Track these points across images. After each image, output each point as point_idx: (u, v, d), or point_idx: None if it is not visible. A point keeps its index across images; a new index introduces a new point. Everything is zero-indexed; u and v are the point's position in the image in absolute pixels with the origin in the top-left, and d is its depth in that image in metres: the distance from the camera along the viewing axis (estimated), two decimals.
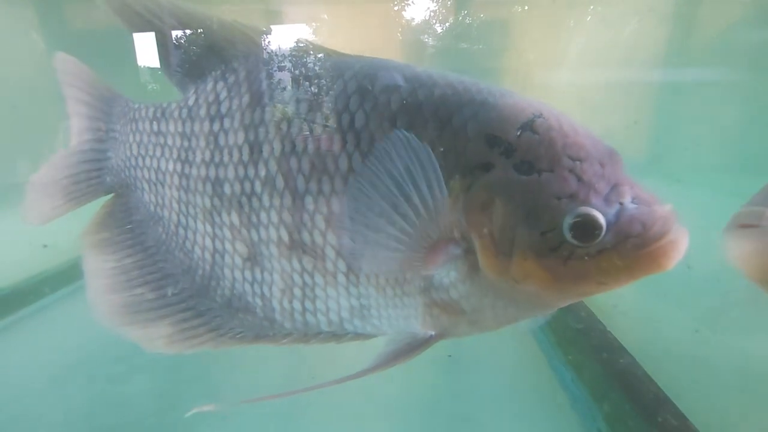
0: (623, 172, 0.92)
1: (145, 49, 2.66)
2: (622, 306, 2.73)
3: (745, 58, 4.61)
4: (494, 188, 0.92)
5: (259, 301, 1.22)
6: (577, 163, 0.88)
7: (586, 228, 0.83)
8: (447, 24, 3.36)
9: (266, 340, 1.25)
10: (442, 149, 0.95)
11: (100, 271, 1.29)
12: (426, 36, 3.21)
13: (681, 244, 0.82)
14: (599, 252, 0.83)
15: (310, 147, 1.07)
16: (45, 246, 2.80)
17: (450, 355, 2.29)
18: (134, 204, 1.36)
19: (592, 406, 1.95)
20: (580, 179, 0.87)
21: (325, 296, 1.15)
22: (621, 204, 0.85)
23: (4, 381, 2.06)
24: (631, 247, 0.82)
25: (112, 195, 1.40)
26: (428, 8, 2.85)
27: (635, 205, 0.85)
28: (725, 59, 4.67)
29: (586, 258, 0.84)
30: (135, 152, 1.31)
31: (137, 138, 1.30)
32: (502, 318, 1.05)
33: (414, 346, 1.11)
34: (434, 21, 3.17)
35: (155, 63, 2.70)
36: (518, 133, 0.91)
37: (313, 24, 2.69)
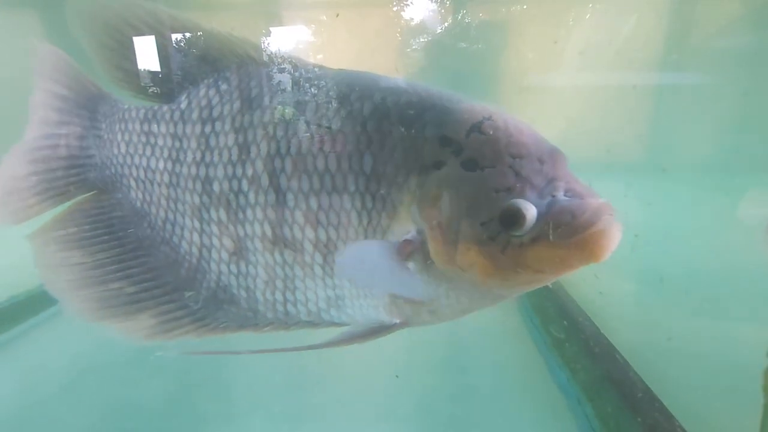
0: (563, 169, 1.00)
1: (145, 52, 2.67)
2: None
3: (744, 57, 4.62)
4: (443, 183, 1.01)
5: (243, 293, 1.29)
6: (517, 160, 0.96)
7: (513, 218, 0.90)
8: (446, 24, 3.36)
9: (249, 329, 1.32)
10: (404, 150, 1.05)
11: (66, 267, 1.32)
12: (425, 36, 3.22)
13: (611, 235, 0.86)
14: (533, 241, 0.90)
15: (292, 149, 1.17)
16: None
17: (397, 376, 2.27)
18: (116, 201, 1.39)
19: (585, 405, 1.97)
20: (518, 174, 0.95)
21: (304, 287, 1.23)
22: (554, 196, 0.92)
23: (19, 386, 2.09)
24: (560, 236, 0.87)
25: (86, 193, 1.41)
26: (427, 8, 2.86)
27: (568, 198, 0.92)
28: (722, 59, 4.67)
29: (521, 247, 0.91)
30: (123, 151, 1.35)
31: (126, 137, 1.34)
32: (456, 307, 1.14)
33: (377, 331, 1.22)
34: (433, 21, 3.17)
35: (155, 67, 2.72)
36: (467, 134, 1.02)
37: (312, 26, 2.70)
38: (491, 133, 1.01)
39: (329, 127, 1.13)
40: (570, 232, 0.87)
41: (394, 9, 2.77)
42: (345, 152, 1.11)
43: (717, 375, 2.13)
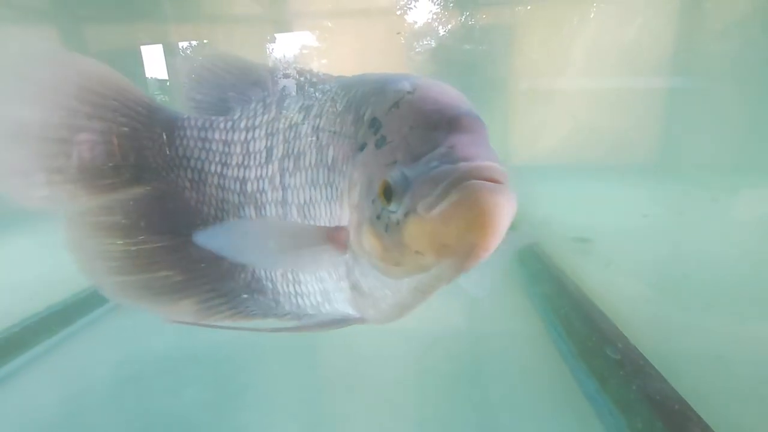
0: (458, 134, 0.84)
1: (153, 62, 2.75)
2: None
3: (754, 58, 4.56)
4: (358, 165, 0.97)
5: (269, 284, 1.39)
6: (412, 130, 0.87)
7: (386, 192, 0.82)
8: (449, 26, 3.38)
9: (273, 317, 1.38)
10: (348, 137, 1.04)
11: (108, 252, 1.37)
12: (428, 39, 3.24)
13: (483, 203, 0.71)
14: (405, 217, 0.79)
15: (291, 148, 1.24)
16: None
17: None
18: (171, 198, 1.48)
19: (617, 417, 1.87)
20: (407, 146, 0.86)
21: (305, 281, 1.29)
22: (429, 165, 0.79)
23: (59, 396, 2.12)
24: (424, 209, 0.75)
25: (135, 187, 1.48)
26: (430, 11, 2.88)
27: (441, 165, 0.78)
28: (732, 59, 4.61)
29: (398, 224, 0.81)
30: (180, 154, 1.46)
31: (183, 143, 1.45)
32: (389, 300, 1.07)
33: (336, 322, 1.22)
34: (436, 23, 3.20)
35: (163, 75, 2.80)
36: (388, 112, 0.94)
37: (317, 31, 2.75)
38: (404, 106, 0.92)
39: (315, 128, 1.18)
40: (432, 203, 0.74)
41: (398, 13, 2.80)
42: (319, 148, 1.14)
43: (757, 385, 2.00)
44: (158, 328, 2.50)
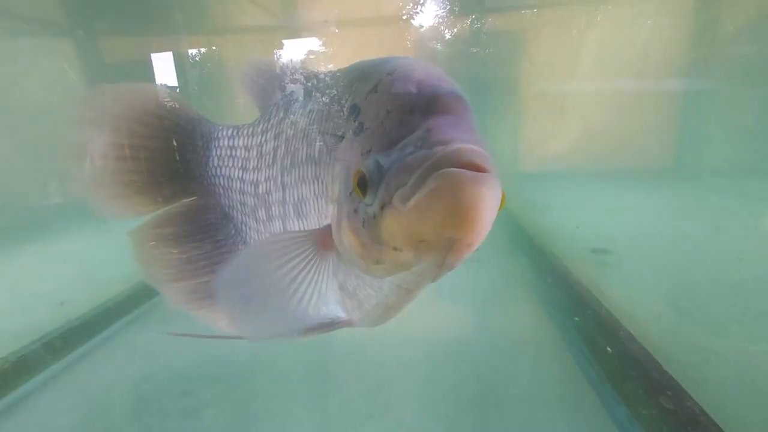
0: (437, 116, 0.75)
1: (162, 70, 2.79)
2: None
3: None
4: (338, 156, 0.91)
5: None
6: (390, 114, 0.79)
7: (360, 184, 0.75)
8: (455, 30, 3.39)
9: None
10: (331, 128, 0.98)
11: (165, 261, 1.45)
12: (435, 43, 3.25)
13: (462, 191, 0.62)
14: (382, 210, 0.70)
15: (289, 146, 1.23)
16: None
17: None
18: (210, 206, 1.55)
19: None
20: (382, 132, 0.78)
21: None
22: (404, 152, 0.71)
23: (79, 416, 2.09)
24: (398, 201, 0.67)
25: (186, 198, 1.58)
26: (436, 15, 2.89)
27: (417, 150, 0.69)
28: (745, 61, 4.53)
29: (374, 218, 0.73)
30: (215, 164, 1.51)
31: (217, 152, 1.50)
32: (372, 301, 1.01)
33: (324, 326, 1.14)
34: (443, 27, 3.21)
35: (173, 82, 2.84)
36: (366, 97, 0.87)
37: (324, 38, 2.78)
38: (382, 89, 0.84)
39: (303, 123, 1.17)
40: (406, 194, 0.65)
41: (403, 18, 2.82)
42: (308, 142, 1.11)
43: None
44: (177, 345, 2.51)
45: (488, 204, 0.63)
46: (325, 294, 1.17)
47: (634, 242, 3.71)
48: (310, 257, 0.93)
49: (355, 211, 0.78)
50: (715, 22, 4.81)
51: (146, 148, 1.52)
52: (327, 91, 1.10)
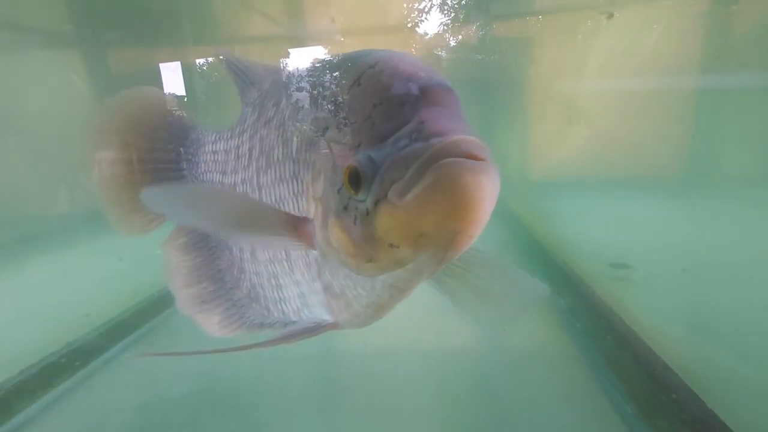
0: (429, 107, 0.74)
1: (170, 79, 2.81)
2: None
3: None
4: (321, 153, 0.89)
5: (261, 290, 1.38)
6: (377, 107, 0.77)
7: (352, 179, 0.72)
8: (459, 37, 3.40)
9: (266, 328, 1.38)
10: (315, 125, 0.95)
11: (179, 269, 1.52)
12: (439, 50, 3.26)
13: (462, 183, 0.60)
14: (376, 205, 0.69)
15: (264, 146, 1.21)
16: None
17: None
18: None
19: None
20: (372, 125, 0.76)
21: (284, 286, 1.26)
22: (398, 145, 0.69)
23: None
24: (397, 195, 0.65)
25: None
26: (441, 23, 2.91)
27: (411, 143, 0.68)
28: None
29: (367, 215, 0.70)
30: (203, 169, 1.52)
31: (203, 157, 1.51)
32: (362, 301, 0.98)
33: (310, 330, 1.13)
34: (448, 35, 3.22)
35: (181, 91, 2.86)
36: (349, 90, 0.85)
37: (329, 46, 2.79)
38: (366, 82, 0.82)
39: (278, 120, 1.14)
40: (404, 187, 0.64)
41: (408, 26, 2.83)
42: (284, 140, 1.08)
43: None
44: (178, 368, 2.41)
45: (489, 193, 0.62)
46: (307, 295, 1.18)
47: (654, 256, 3.51)
48: (276, 233, 0.93)
49: (345, 208, 0.76)
50: (730, 24, 4.72)
51: (147, 161, 1.53)
52: (303, 88, 1.06)
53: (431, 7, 2.87)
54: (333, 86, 0.91)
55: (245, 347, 1.18)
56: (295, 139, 1.02)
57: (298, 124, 1.02)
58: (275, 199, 1.12)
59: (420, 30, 2.89)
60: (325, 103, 0.91)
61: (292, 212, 1.04)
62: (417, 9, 2.85)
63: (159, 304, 3.03)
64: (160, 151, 1.53)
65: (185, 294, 1.47)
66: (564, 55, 4.67)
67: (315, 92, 0.96)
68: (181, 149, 1.55)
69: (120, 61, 4.25)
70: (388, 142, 0.71)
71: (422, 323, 2.69)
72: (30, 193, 3.80)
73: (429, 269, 0.76)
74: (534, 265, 3.55)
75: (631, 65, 4.76)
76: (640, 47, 4.59)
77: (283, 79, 1.22)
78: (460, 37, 3.36)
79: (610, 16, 4.06)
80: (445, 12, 2.91)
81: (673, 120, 5.12)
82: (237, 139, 1.36)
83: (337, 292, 1.02)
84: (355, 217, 0.73)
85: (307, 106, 0.99)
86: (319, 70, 1.01)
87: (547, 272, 3.32)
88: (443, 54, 3.31)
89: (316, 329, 1.12)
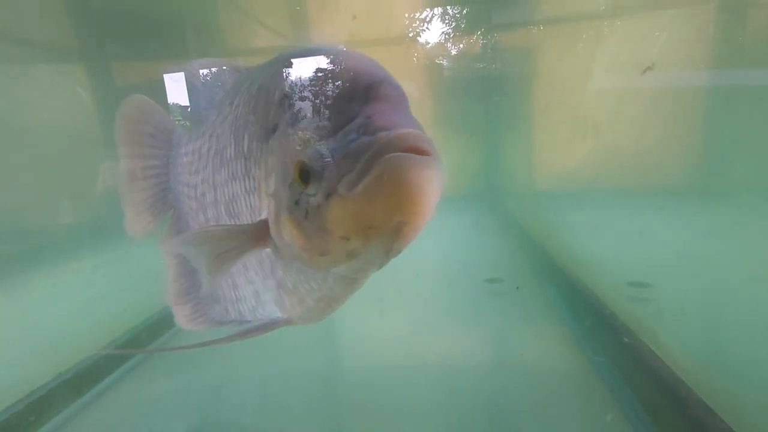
0: (377, 103, 0.76)
1: (174, 89, 2.83)
2: None
3: None
4: (272, 149, 0.90)
5: (220, 291, 1.43)
6: (328, 103, 0.80)
7: (302, 173, 0.74)
8: (460, 46, 3.42)
9: (225, 325, 1.46)
10: (258, 119, 0.96)
11: (169, 267, 1.60)
12: (441, 58, 3.27)
13: (408, 175, 0.62)
14: (327, 199, 0.70)
15: (218, 145, 1.22)
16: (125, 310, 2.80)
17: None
18: (180, 214, 1.61)
19: None
20: (321, 120, 0.78)
21: (240, 285, 1.30)
22: (346, 139, 0.71)
23: None
24: (346, 188, 0.67)
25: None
26: (443, 32, 2.92)
27: (359, 137, 0.70)
28: None
29: (318, 208, 0.72)
30: (178, 171, 1.55)
31: (179, 160, 1.53)
32: (315, 295, 1.00)
33: (264, 327, 1.17)
34: (449, 44, 3.23)
35: (185, 101, 2.88)
36: (301, 87, 0.87)
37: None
38: (319, 80, 0.84)
39: (231, 119, 1.15)
40: (353, 180, 0.66)
41: (410, 35, 2.85)
42: (236, 138, 1.08)
43: None
44: (177, 400, 2.26)
45: (433, 186, 0.64)
46: (260, 293, 1.20)
47: (674, 274, 3.32)
48: (243, 251, 0.94)
49: (297, 202, 0.77)
50: (741, 26, 4.64)
51: (146, 167, 1.58)
52: (253, 85, 1.07)
53: (433, 16, 2.90)
54: (284, 83, 0.92)
55: (201, 345, 1.24)
56: (246, 136, 1.02)
57: (249, 121, 1.02)
58: (229, 197, 1.14)
59: (422, 39, 2.91)
60: (274, 99, 0.93)
61: (245, 210, 1.07)
62: (418, 18, 2.87)
63: (164, 321, 2.85)
64: (152, 157, 1.57)
65: (169, 287, 1.57)
66: (568, 63, 4.68)
67: (266, 89, 0.97)
68: (163, 152, 1.60)
69: (125, 74, 4.29)
70: (338, 136, 0.73)
71: (429, 337, 2.64)
72: (35, 204, 3.81)
73: (379, 260, 0.79)
74: (547, 284, 3.39)
75: (636, 72, 4.74)
76: (646, 54, 4.58)
77: (242, 78, 1.23)
78: (461, 45, 3.38)
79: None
80: (447, 21, 2.93)
81: (683, 127, 5.06)
82: (200, 140, 1.37)
83: (290, 288, 1.04)
84: (307, 211, 0.75)
85: (259, 103, 1.00)
86: (271, 67, 1.03)
87: (561, 291, 3.15)
88: (444, 63, 3.33)
89: (270, 326, 1.16)
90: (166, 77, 2.76)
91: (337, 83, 0.81)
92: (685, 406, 1.77)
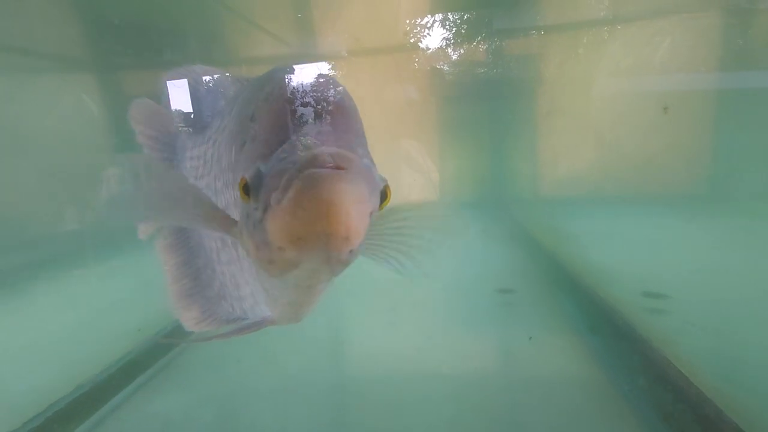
0: (316, 123, 0.86)
1: (177, 96, 2.86)
2: None
3: None
4: (237, 162, 1.00)
5: (226, 289, 1.49)
6: (271, 122, 0.89)
7: (245, 188, 0.82)
8: (461, 51, 3.43)
9: (231, 323, 1.51)
10: (238, 134, 1.05)
11: (166, 267, 1.63)
12: (441, 63, 3.29)
13: (322, 192, 0.69)
14: (264, 212, 0.77)
15: (213, 155, 1.31)
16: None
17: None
18: None
19: None
20: (266, 140, 0.87)
21: (240, 285, 1.37)
22: (279, 157, 0.79)
23: None
24: (275, 201, 0.74)
25: None
26: (443, 37, 2.94)
27: (289, 156, 0.78)
28: None
29: (261, 221, 0.79)
30: (185, 175, 1.61)
31: (185, 164, 1.59)
32: (283, 299, 1.07)
33: (255, 324, 1.26)
34: (450, 50, 3.25)
35: (188, 108, 2.91)
36: (261, 106, 0.96)
37: (333, 62, 2.84)
38: (271, 98, 0.93)
39: (222, 131, 1.25)
40: (279, 196, 0.73)
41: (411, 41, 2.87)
42: (226, 151, 1.16)
43: None
44: (194, 410, 2.19)
45: (349, 197, 0.70)
46: (256, 293, 1.27)
47: (690, 284, 3.17)
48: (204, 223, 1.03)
49: (247, 215, 0.85)
50: (749, 29, 4.58)
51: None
52: (241, 99, 1.16)
53: (434, 22, 2.92)
54: (254, 100, 1.03)
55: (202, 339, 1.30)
56: (233, 147, 1.11)
57: (234, 133, 1.11)
58: (224, 205, 1.21)
59: (422, 45, 2.93)
60: (249, 115, 1.03)
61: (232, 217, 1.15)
62: (420, 25, 2.90)
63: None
64: (158, 160, 1.62)
65: (171, 290, 1.59)
66: (572, 68, 4.68)
67: (247, 103, 1.08)
68: (169, 156, 1.65)
69: (130, 83, 4.36)
70: (274, 155, 0.81)
71: (442, 349, 2.59)
72: (41, 212, 3.85)
73: (324, 269, 0.84)
74: (559, 293, 3.29)
75: (641, 77, 4.73)
76: (651, 59, 4.57)
77: (241, 88, 1.31)
78: (462, 51, 3.39)
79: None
80: (447, 27, 2.95)
81: (691, 133, 5.00)
82: (205, 146, 1.44)
83: (267, 290, 1.12)
84: (253, 223, 0.82)
85: (241, 117, 1.10)
86: (256, 82, 1.14)
87: (574, 301, 3.06)
88: (445, 68, 3.34)
89: (258, 324, 1.26)
90: (169, 83, 2.80)
91: (282, 103, 0.91)
92: (709, 420, 1.74)
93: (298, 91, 0.92)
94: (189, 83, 1.60)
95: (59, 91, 3.80)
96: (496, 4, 4.11)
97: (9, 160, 3.44)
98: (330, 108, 0.89)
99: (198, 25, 4.03)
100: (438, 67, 3.35)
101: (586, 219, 4.73)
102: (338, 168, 0.72)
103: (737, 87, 4.61)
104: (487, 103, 4.51)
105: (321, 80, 0.97)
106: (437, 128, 4.95)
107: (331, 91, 0.94)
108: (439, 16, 3.10)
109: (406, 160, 4.37)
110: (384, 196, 0.84)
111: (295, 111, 0.88)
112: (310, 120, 0.87)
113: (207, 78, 1.54)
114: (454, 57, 3.36)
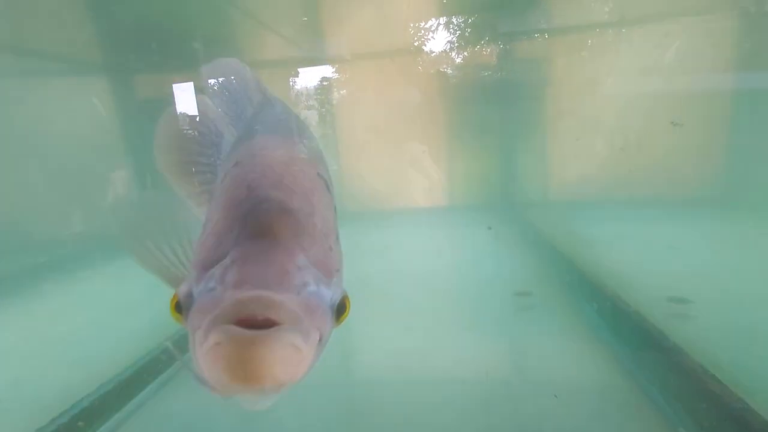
0: (257, 243, 0.73)
1: (183, 99, 2.90)
2: None
3: None
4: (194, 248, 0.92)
5: None
6: (217, 221, 0.80)
7: (175, 306, 0.73)
8: (465, 53, 3.42)
9: None
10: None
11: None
12: (445, 66, 3.28)
13: (235, 358, 0.60)
14: (193, 343, 0.67)
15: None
16: None
17: None
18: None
19: None
20: (207, 247, 0.77)
21: None
22: (207, 285, 0.69)
23: None
24: (198, 343, 0.64)
25: None
26: (447, 40, 2.93)
27: (216, 286, 0.68)
28: None
29: (193, 346, 0.68)
30: (222, 176, 1.63)
31: (224, 166, 1.60)
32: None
33: None
34: (454, 53, 3.24)
35: (193, 111, 2.94)
36: (221, 182, 0.92)
37: (336, 65, 2.85)
38: (225, 180, 0.89)
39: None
40: (200, 338, 0.64)
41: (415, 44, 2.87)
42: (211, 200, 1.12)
43: None
44: (214, 407, 2.09)
45: (271, 357, 0.61)
46: None
47: (714, 289, 3.07)
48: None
49: (193, 331, 0.73)
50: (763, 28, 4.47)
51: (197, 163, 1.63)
52: (229, 156, 1.13)
53: (438, 26, 2.92)
54: (225, 166, 0.97)
55: None
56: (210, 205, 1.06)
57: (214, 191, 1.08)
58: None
59: (428, 48, 2.93)
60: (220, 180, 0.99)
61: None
62: (424, 28, 2.90)
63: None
64: (204, 155, 1.61)
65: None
66: (580, 71, 4.64)
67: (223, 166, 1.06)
68: (217, 153, 1.63)
69: (140, 86, 4.43)
70: (206, 276, 0.71)
71: (461, 353, 2.54)
72: (50, 214, 3.92)
73: (264, 396, 0.72)
74: (578, 297, 3.17)
75: (651, 78, 4.66)
76: (661, 60, 4.50)
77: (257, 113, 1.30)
78: (466, 54, 3.39)
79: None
80: (451, 30, 2.95)
81: (704, 134, 4.90)
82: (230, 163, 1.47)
83: None
84: (193, 342, 0.70)
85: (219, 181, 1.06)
86: (236, 140, 1.11)
87: (594, 305, 2.96)
88: (449, 71, 3.34)
89: None
90: (175, 87, 2.84)
91: (230, 199, 0.82)
92: (744, 421, 1.68)
93: (246, 185, 0.82)
94: (228, 77, 1.54)
95: (70, 95, 3.88)
96: (503, 6, 4.09)
97: (20, 163, 3.51)
98: (273, 215, 0.76)
99: (208, 28, 4.08)
100: (442, 70, 3.35)
101: (600, 221, 4.60)
102: (264, 319, 0.63)
103: (753, 87, 4.51)
104: (495, 106, 4.49)
105: (276, 168, 0.87)
106: (444, 131, 4.94)
107: (282, 189, 0.82)
108: (443, 19, 3.10)
109: (412, 163, 4.37)
110: (343, 309, 0.75)
111: (237, 215, 0.77)
112: (251, 233, 0.74)
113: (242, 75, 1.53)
114: (458, 60, 3.36)
